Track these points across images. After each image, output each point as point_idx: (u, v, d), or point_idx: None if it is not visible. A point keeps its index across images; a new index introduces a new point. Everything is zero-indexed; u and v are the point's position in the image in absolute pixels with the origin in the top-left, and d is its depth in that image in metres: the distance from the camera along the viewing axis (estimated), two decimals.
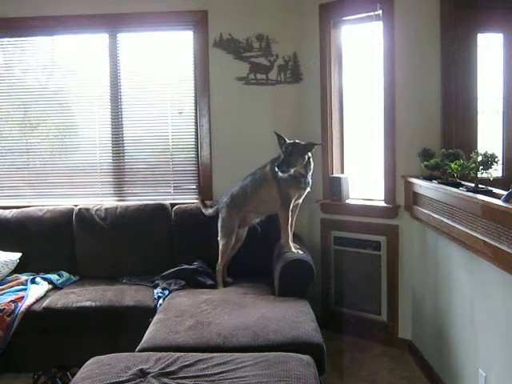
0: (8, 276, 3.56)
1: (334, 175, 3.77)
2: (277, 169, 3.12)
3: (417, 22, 3.28)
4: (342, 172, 3.88)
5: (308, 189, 3.32)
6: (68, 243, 3.75)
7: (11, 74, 4.19)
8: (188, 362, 2.16)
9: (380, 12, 3.40)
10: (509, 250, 1.94)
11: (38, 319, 3.12)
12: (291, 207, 3.29)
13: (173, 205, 3.85)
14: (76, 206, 3.88)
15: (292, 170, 3.15)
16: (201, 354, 2.25)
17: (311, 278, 3.08)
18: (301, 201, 3.37)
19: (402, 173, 3.38)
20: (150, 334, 2.60)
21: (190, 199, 4.07)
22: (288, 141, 3.22)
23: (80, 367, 2.24)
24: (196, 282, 3.36)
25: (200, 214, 3.66)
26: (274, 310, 2.79)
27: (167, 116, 4.11)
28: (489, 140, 3.42)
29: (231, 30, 3.91)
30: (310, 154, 3.23)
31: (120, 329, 3.13)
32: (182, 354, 2.25)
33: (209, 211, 3.59)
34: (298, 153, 3.16)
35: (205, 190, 4.04)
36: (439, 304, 2.91)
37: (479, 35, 3.30)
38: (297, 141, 3.21)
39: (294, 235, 3.47)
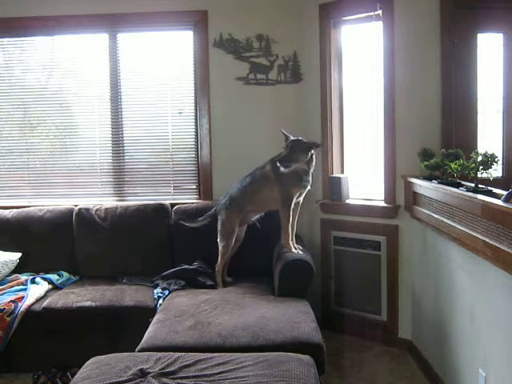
0: (8, 276, 3.56)
1: (334, 175, 3.77)
2: (278, 164, 3.12)
3: (417, 22, 3.28)
4: (342, 172, 3.88)
5: (309, 186, 3.32)
6: (68, 243, 3.75)
7: (11, 74, 4.19)
8: (188, 362, 2.16)
9: (380, 12, 3.40)
10: (509, 250, 1.94)
11: (38, 319, 3.12)
12: (292, 206, 3.29)
13: (173, 205, 3.85)
14: (76, 206, 3.88)
15: (293, 166, 3.14)
16: (201, 354, 2.25)
17: (311, 278, 3.07)
18: (301, 199, 3.36)
19: (402, 173, 3.38)
20: (149, 334, 2.60)
21: (189, 199, 4.07)
22: (292, 138, 3.24)
23: (80, 367, 2.25)
24: (196, 282, 3.36)
25: (200, 214, 3.66)
26: (273, 310, 2.79)
27: (167, 116, 4.11)
28: (489, 140, 3.42)
29: (231, 30, 3.91)
30: (312, 151, 3.23)
31: (120, 329, 3.13)
32: (182, 353, 2.25)
33: (199, 221, 3.52)
34: (299, 149, 3.16)
35: (205, 190, 4.04)
36: (439, 304, 2.91)
37: (479, 35, 3.30)
38: (299, 138, 3.23)
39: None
